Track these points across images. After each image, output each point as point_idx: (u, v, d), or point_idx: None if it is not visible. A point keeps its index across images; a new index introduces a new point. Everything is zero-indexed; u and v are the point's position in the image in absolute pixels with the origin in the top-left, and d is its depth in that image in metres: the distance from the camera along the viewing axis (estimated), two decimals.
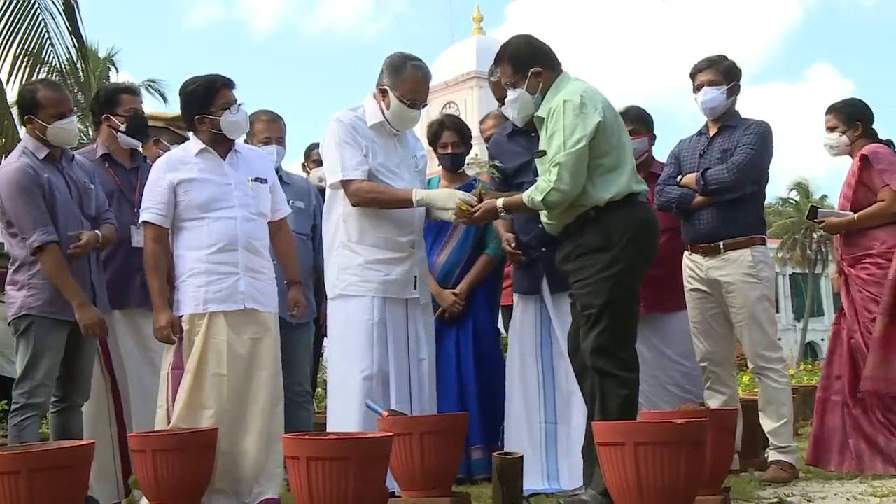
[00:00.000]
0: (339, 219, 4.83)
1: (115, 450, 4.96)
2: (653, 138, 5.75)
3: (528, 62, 4.39)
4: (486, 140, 5.69)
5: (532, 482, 4.75)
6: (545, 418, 5.02)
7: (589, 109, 4.20)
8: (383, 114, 4.82)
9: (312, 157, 6.55)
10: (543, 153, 4.31)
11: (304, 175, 6.65)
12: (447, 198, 4.65)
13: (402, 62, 4.76)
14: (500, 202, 4.46)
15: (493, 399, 5.40)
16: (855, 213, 5.40)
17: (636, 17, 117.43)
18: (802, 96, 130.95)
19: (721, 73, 5.32)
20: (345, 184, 4.75)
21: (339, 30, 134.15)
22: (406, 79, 4.74)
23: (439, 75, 48.77)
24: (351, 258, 4.80)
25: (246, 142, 5.66)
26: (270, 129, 5.70)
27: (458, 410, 5.19)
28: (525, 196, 4.33)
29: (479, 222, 4.90)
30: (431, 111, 47.96)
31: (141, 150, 5.36)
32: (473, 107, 46.86)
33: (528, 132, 4.82)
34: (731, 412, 4.45)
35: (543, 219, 4.44)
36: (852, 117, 5.54)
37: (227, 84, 4.78)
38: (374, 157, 4.78)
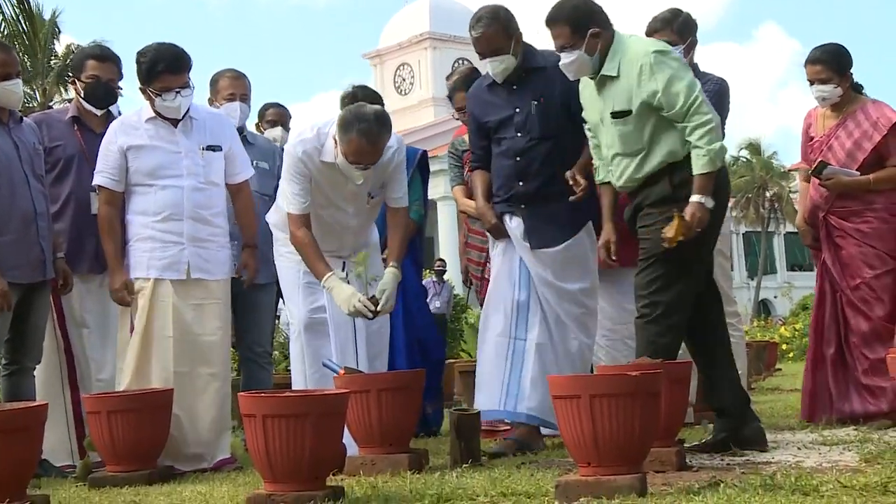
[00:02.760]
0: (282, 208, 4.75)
1: (67, 412, 4.93)
2: None
3: (586, 22, 4.32)
4: (459, 110, 5.65)
5: (488, 401, 4.73)
6: (515, 333, 4.82)
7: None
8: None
9: (267, 118, 6.49)
10: (627, 113, 4.29)
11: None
12: (345, 301, 4.39)
13: (351, 123, 4.39)
14: (697, 198, 4.20)
15: (425, 357, 5.40)
16: (861, 174, 5.22)
17: None
18: (751, 56, 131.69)
19: (676, 32, 5.24)
20: (288, 215, 4.63)
21: None
22: (350, 141, 4.39)
23: (392, 37, 48.50)
24: (283, 242, 4.78)
25: (210, 100, 5.64)
26: (234, 85, 5.62)
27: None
28: (702, 164, 4.19)
29: (694, 230, 4.21)
30: (385, 74, 47.73)
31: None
32: (427, 68, 46.62)
33: (509, 84, 4.79)
34: (685, 364, 4.47)
35: (622, 179, 4.40)
36: (844, 67, 5.33)
37: (171, 69, 4.71)
38: (319, 189, 4.60)
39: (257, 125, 6.72)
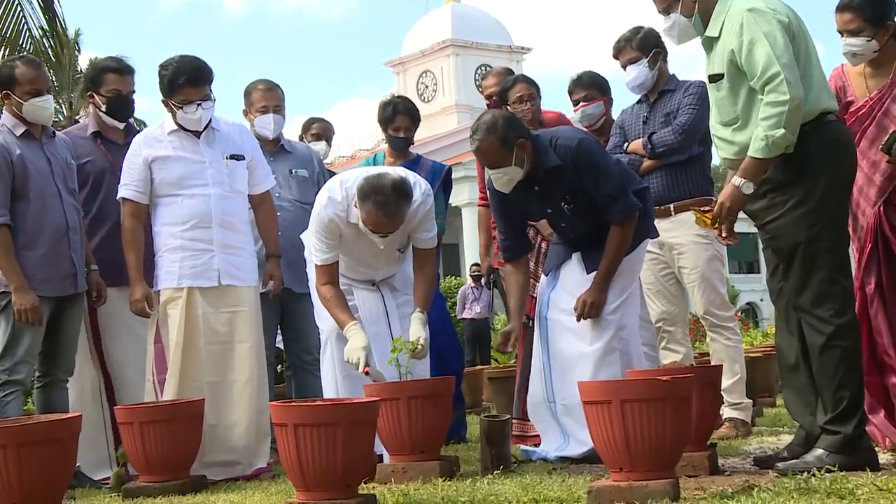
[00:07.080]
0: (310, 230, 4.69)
1: (106, 424, 4.97)
2: (609, 102, 5.70)
3: None
4: (488, 98, 5.73)
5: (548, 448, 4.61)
6: (548, 397, 4.63)
7: (778, 14, 3.76)
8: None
9: (311, 132, 6.58)
10: (720, 77, 3.86)
11: None
12: (350, 352, 4.35)
13: (368, 195, 4.29)
14: (737, 181, 3.76)
15: (441, 367, 5.36)
16: None
17: None
18: None
19: (636, 48, 5.26)
20: (315, 266, 4.60)
21: (307, 9, 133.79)
22: (368, 213, 4.32)
23: (414, 45, 48.51)
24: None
25: (244, 111, 5.67)
26: (267, 97, 5.60)
27: None
28: (756, 147, 3.69)
29: (729, 216, 3.96)
30: (408, 81, 47.80)
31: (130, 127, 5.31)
32: (450, 75, 46.58)
33: (530, 186, 4.52)
34: (716, 368, 4.45)
35: (721, 145, 3.95)
36: (880, 16, 4.34)
37: (192, 81, 4.75)
38: (348, 244, 4.57)
39: (301, 138, 6.76)
